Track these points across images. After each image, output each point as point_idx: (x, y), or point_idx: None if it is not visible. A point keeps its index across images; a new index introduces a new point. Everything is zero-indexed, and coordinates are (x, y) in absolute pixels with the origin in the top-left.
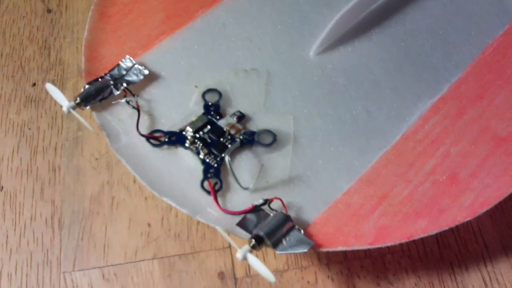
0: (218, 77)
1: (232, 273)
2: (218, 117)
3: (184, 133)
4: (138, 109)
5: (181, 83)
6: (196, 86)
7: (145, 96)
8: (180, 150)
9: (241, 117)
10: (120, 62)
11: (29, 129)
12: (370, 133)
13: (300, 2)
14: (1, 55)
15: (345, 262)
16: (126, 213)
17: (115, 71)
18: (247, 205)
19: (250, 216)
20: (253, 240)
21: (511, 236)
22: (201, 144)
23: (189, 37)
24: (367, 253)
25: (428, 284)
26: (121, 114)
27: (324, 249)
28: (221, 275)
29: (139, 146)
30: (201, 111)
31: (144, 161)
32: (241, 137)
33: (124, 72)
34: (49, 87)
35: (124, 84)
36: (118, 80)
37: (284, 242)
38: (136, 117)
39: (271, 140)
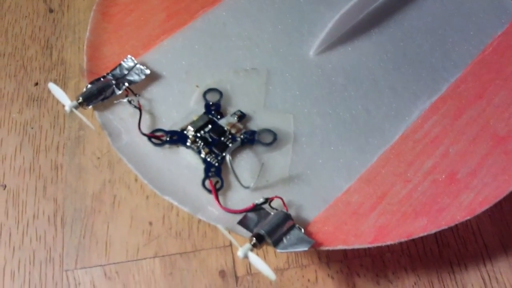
0: (219, 76)
1: (233, 271)
2: (219, 117)
3: (185, 132)
4: (139, 109)
5: (182, 82)
6: (197, 86)
7: (147, 96)
8: (182, 149)
9: (242, 117)
10: (122, 62)
11: (32, 128)
12: (370, 132)
13: (300, 1)
14: (4, 54)
15: (345, 261)
16: (128, 211)
17: (117, 71)
18: (248, 204)
19: (251, 215)
20: (254, 238)
21: (511, 235)
22: (202, 143)
23: (190, 37)
24: (367, 251)
25: (428, 282)
26: (122, 113)
27: (324, 248)
28: (222, 273)
29: (141, 145)
30: (202, 110)
31: (146, 159)
32: (241, 136)
33: (126, 72)
34: (52, 86)
35: (126, 84)
36: (120, 79)
37: (284, 240)
38: (138, 116)
39: (271, 139)
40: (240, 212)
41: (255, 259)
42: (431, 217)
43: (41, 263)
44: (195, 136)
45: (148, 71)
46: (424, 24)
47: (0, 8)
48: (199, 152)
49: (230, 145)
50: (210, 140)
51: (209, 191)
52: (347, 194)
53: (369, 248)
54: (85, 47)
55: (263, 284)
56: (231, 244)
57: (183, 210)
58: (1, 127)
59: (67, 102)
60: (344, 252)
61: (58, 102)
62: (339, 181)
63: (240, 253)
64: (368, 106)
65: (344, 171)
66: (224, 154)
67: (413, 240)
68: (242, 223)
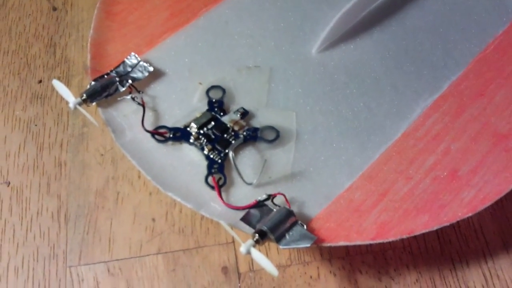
0: (221, 74)
1: (235, 267)
2: (221, 114)
3: (188, 129)
4: (143, 106)
5: (185, 80)
6: (200, 83)
7: (150, 93)
8: (185, 145)
9: (245, 114)
10: (125, 59)
11: (35, 125)
12: (371, 130)
13: (302, 0)
14: (8, 52)
15: (347, 258)
16: (131, 208)
17: (121, 68)
18: (251, 200)
19: (254, 211)
20: (257, 234)
21: None
22: (205, 140)
23: (192, 35)
24: (368, 248)
25: (429, 279)
26: (126, 110)
27: (327, 244)
28: (225, 270)
29: (144, 141)
30: (205, 107)
31: (149, 156)
32: (244, 133)
33: (129, 69)
34: (56, 83)
35: (130, 81)
36: (123, 77)
37: (287, 236)
38: (141, 113)
39: (274, 136)
40: (243, 208)
41: (258, 255)
42: (432, 214)
43: (45, 259)
44: (198, 133)
45: (151, 69)
46: (426, 22)
47: (4, 7)
48: (202, 149)
49: (233, 142)
50: (213, 137)
51: (212, 187)
52: (349, 191)
53: (371, 245)
54: (88, 45)
55: (266, 281)
56: (233, 241)
57: (186, 207)
58: (5, 125)
59: (71, 99)
60: (346, 248)
61: (61, 99)
62: (341, 178)
63: (242, 249)
64: (370, 104)
65: (346, 168)
66: (227, 151)
67: (415, 237)
68: (244, 219)
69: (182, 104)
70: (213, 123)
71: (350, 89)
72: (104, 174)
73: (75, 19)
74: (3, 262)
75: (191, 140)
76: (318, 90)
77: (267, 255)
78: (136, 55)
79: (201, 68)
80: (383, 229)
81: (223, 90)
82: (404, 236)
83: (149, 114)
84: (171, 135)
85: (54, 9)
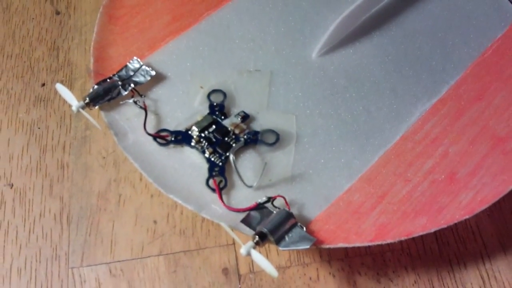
0: (223, 78)
1: (236, 269)
2: (222, 117)
3: (190, 132)
4: (145, 109)
5: (186, 83)
6: (201, 87)
7: (152, 96)
8: (186, 148)
9: (245, 117)
10: (127, 63)
11: (39, 128)
12: (371, 133)
13: (303, 4)
14: (11, 56)
15: (346, 259)
16: (133, 210)
17: (123, 72)
18: (251, 203)
19: (254, 213)
20: (257, 236)
21: (509, 235)
22: (206, 143)
23: (194, 39)
24: (367, 250)
25: (427, 281)
26: (128, 114)
27: (326, 246)
28: (225, 271)
29: (146, 144)
30: (206, 111)
31: (151, 159)
32: (245, 136)
33: (131, 73)
34: (59, 87)
35: (132, 85)
36: (126, 80)
37: (287, 238)
38: (143, 117)
39: (274, 139)
40: (243, 210)
41: (258, 257)
42: (430, 216)
43: (47, 261)
44: (199, 136)
45: (153, 72)
46: (425, 26)
47: (8, 11)
48: (203, 152)
49: (234, 145)
50: (214, 140)
51: (213, 190)
52: (348, 193)
53: (369, 247)
54: (91, 48)
55: (266, 282)
56: (234, 243)
57: (187, 209)
58: (8, 127)
59: (74, 102)
60: (345, 250)
61: (64, 102)
62: (340, 181)
63: (243, 250)
64: (369, 107)
65: (345, 171)
66: (227, 153)
67: (413, 239)
68: (245, 221)
69: (184, 108)
70: (214, 126)
71: (349, 92)
72: (106, 176)
73: (78, 23)
74: (6, 263)
75: (192, 143)
76: (318, 93)
77: (267, 257)
78: (139, 60)
79: (202, 72)
80: (381, 231)
81: (224, 94)
82: (403, 238)
83: (151, 118)
84: (172, 138)
85: (57, 13)
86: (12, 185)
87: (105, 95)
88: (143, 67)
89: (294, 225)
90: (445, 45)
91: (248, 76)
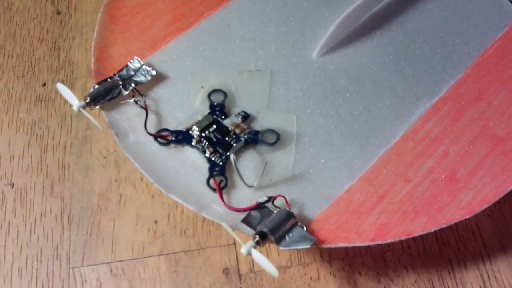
0: (223, 77)
1: (236, 269)
2: (223, 117)
3: (190, 132)
4: (146, 109)
5: (187, 83)
6: (202, 87)
7: (152, 96)
8: (187, 148)
9: (246, 117)
10: (128, 63)
11: (39, 128)
12: (371, 132)
13: (303, 4)
14: (12, 55)
15: (346, 259)
16: (133, 209)
17: (124, 72)
18: (251, 202)
19: (255, 213)
20: (257, 236)
21: (509, 235)
22: (207, 143)
23: (195, 39)
24: (368, 250)
25: (428, 280)
26: (129, 113)
27: (326, 245)
28: (226, 271)
29: (147, 144)
30: (207, 110)
31: (151, 158)
32: (245, 136)
33: (132, 73)
34: (60, 87)
35: (133, 85)
36: (126, 80)
37: (287, 238)
38: (144, 116)
39: (274, 139)
40: (243, 210)
41: (258, 256)
42: (430, 216)
43: (48, 260)
44: (200, 136)
45: (154, 72)
46: (425, 26)
47: (9, 10)
48: (204, 152)
49: (234, 144)
50: (214, 139)
51: (214, 189)
52: (349, 193)
53: (370, 246)
54: (92, 48)
55: (266, 282)
56: (234, 242)
57: (188, 209)
58: (9, 127)
59: (75, 102)
60: (346, 250)
61: (65, 102)
62: (340, 180)
63: (243, 250)
64: (370, 107)
65: (346, 171)
66: (228, 153)
67: (414, 239)
68: (245, 221)
69: (184, 107)
70: (214, 126)
71: (350, 92)
72: (107, 176)
73: (79, 23)
74: (7, 263)
75: (193, 143)
76: (319, 93)
77: (267, 256)
78: (139, 59)
79: (203, 72)
80: (382, 231)
81: (225, 94)
82: (403, 238)
83: (151, 117)
84: (173, 138)
85: (58, 12)
86: (13, 185)
87: (106, 94)
88: (144, 66)
89: (294, 225)
90: (446, 45)
91: (249, 76)
